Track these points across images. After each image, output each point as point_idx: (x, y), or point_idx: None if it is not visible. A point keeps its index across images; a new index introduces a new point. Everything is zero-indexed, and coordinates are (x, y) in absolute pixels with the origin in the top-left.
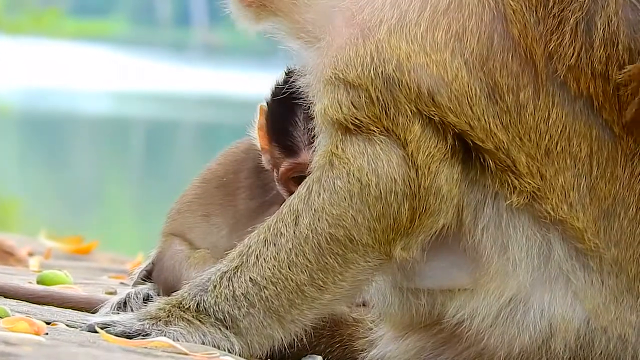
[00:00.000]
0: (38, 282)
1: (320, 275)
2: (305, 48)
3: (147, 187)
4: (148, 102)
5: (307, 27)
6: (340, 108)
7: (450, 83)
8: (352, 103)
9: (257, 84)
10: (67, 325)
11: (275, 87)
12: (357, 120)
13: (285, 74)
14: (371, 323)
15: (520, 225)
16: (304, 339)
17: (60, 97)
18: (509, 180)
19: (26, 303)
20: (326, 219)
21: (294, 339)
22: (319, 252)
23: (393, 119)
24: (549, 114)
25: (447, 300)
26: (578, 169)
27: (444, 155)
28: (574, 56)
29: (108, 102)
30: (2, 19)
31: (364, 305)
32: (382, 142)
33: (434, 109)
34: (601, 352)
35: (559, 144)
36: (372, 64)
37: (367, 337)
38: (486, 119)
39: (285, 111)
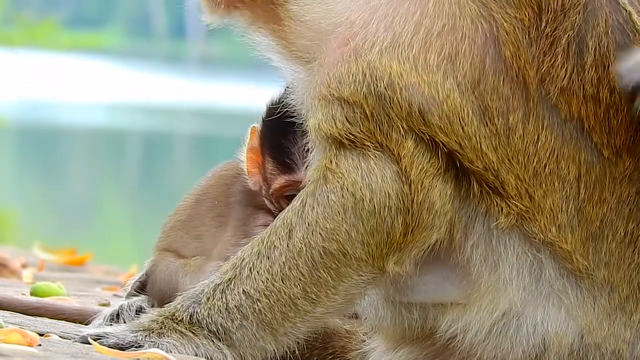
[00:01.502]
0: (31, 294)
1: (314, 288)
2: (296, 66)
3: (142, 200)
4: (143, 114)
5: (299, 48)
6: (335, 123)
7: (441, 103)
8: (346, 118)
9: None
10: (60, 337)
11: (271, 103)
12: (351, 135)
13: (283, 89)
14: (364, 335)
15: (511, 244)
16: (296, 351)
17: (55, 109)
18: (497, 201)
19: (19, 314)
20: (320, 233)
21: (286, 351)
22: (313, 266)
23: (386, 135)
24: (538, 137)
25: (440, 315)
26: (566, 191)
27: (437, 171)
28: (565, 78)
29: (103, 114)
30: None
31: (356, 317)
32: (376, 157)
33: (424, 128)
34: None
35: (547, 166)
36: (365, 81)
37: (359, 349)
38: (477, 139)
39: (281, 127)
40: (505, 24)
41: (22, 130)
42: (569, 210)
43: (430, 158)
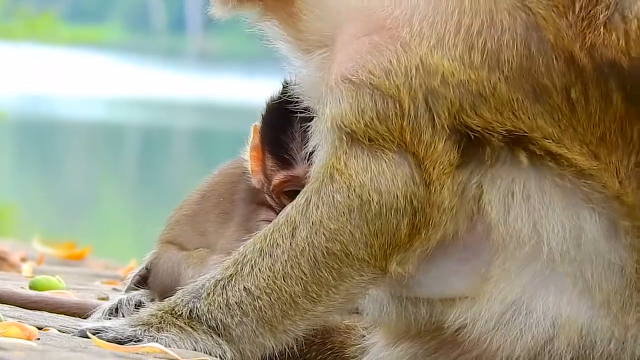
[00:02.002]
0: (30, 288)
1: (315, 287)
2: (307, 55)
3: (141, 194)
4: (142, 108)
5: (313, 32)
6: (363, 117)
7: (489, 97)
8: (376, 113)
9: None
10: (59, 331)
11: (271, 100)
12: (374, 132)
13: (283, 85)
14: (363, 330)
15: (552, 213)
16: (295, 347)
17: (54, 104)
18: (560, 162)
19: (18, 308)
20: (323, 233)
21: (285, 347)
22: (315, 265)
23: (417, 133)
24: (603, 103)
25: (447, 308)
26: (629, 146)
27: (451, 168)
28: (614, 41)
29: (102, 108)
30: None
31: (356, 312)
32: (390, 159)
33: (477, 121)
34: (602, 350)
35: (613, 128)
36: (418, 74)
37: (359, 345)
38: (532, 118)
39: (281, 122)
40: (541, 11)
41: (22, 124)
42: (629, 165)
43: (451, 156)
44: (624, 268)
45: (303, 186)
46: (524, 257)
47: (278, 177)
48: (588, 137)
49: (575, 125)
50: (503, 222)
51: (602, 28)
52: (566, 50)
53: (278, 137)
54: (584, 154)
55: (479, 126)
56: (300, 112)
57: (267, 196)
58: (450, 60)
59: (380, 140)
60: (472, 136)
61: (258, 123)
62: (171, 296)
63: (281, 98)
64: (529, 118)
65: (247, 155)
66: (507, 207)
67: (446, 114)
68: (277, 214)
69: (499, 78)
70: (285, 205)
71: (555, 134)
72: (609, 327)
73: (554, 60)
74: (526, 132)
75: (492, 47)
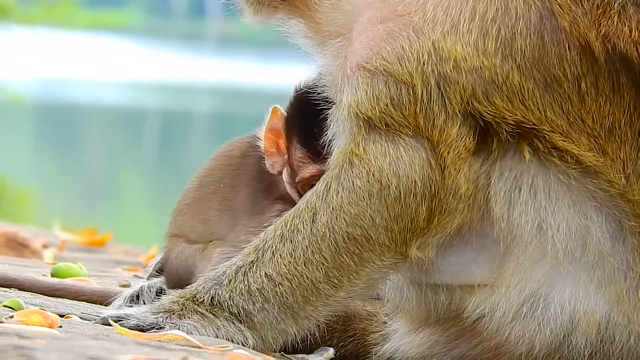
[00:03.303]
0: (52, 275)
1: (336, 273)
2: (326, 46)
3: (162, 179)
4: (162, 93)
5: (330, 22)
6: (378, 103)
7: (501, 85)
8: (390, 99)
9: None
10: (81, 318)
11: (300, 89)
12: (389, 118)
13: (312, 76)
14: (385, 316)
15: (558, 211)
16: (317, 334)
17: (74, 88)
18: (565, 159)
19: (40, 295)
20: (344, 218)
21: (306, 334)
22: (336, 251)
23: (431, 119)
24: (613, 95)
25: (467, 296)
26: (638, 141)
27: (468, 154)
28: (628, 31)
29: (122, 93)
30: (15, 10)
31: (378, 299)
32: (407, 143)
33: (488, 108)
34: (622, 346)
35: (622, 121)
36: (430, 60)
37: (380, 331)
38: (542, 109)
39: (312, 115)
40: None
41: (41, 108)
42: (637, 160)
43: (467, 142)
44: (632, 269)
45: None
46: (533, 252)
47: (309, 170)
48: (597, 129)
49: (585, 117)
50: (506, 218)
51: (615, 17)
52: (581, 38)
53: (310, 129)
54: (591, 148)
55: (489, 113)
56: (324, 104)
57: (287, 185)
58: (464, 46)
59: (397, 126)
60: (482, 125)
61: (278, 105)
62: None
63: (311, 88)
64: (538, 109)
65: (262, 135)
66: (512, 203)
67: (458, 98)
68: (290, 206)
69: (512, 66)
70: (301, 196)
71: (563, 127)
72: (627, 324)
73: (567, 49)
74: (535, 125)
75: (505, 34)
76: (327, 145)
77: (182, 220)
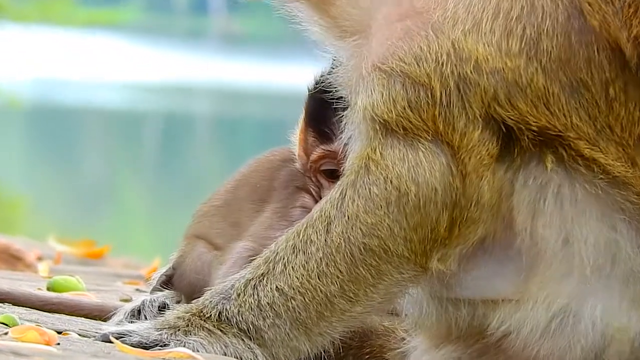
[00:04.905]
0: (48, 289)
1: (352, 286)
2: (340, 41)
3: (163, 186)
4: (163, 94)
5: (345, 17)
6: (394, 106)
7: (525, 88)
8: (408, 102)
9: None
10: (79, 335)
11: (317, 79)
12: (407, 122)
13: (328, 65)
14: (404, 332)
15: (585, 223)
16: (331, 351)
17: (70, 89)
18: (592, 168)
19: (36, 311)
20: (360, 228)
21: (320, 351)
22: (351, 263)
23: (451, 123)
24: None
25: (490, 311)
26: None
27: (491, 160)
28: None
29: (121, 94)
30: (9, 7)
31: (396, 314)
32: (426, 148)
33: (511, 112)
34: None
35: None
36: (449, 61)
37: (399, 348)
38: (567, 114)
39: (323, 99)
40: None
41: (36, 111)
42: None
43: (490, 148)
44: None
45: (340, 165)
46: (559, 266)
47: (317, 151)
48: (625, 138)
49: (613, 124)
50: (530, 229)
51: None
52: (611, 39)
53: (319, 111)
54: (620, 157)
55: (512, 118)
56: (342, 94)
57: (305, 177)
58: (486, 46)
59: (415, 130)
60: (505, 130)
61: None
62: (199, 298)
63: (326, 77)
64: (564, 115)
65: (295, 139)
66: (536, 213)
67: (479, 102)
68: (315, 199)
69: (536, 69)
70: (322, 186)
71: (590, 135)
72: None
73: (596, 52)
74: (561, 132)
75: (531, 34)
76: (337, 127)
77: (209, 222)
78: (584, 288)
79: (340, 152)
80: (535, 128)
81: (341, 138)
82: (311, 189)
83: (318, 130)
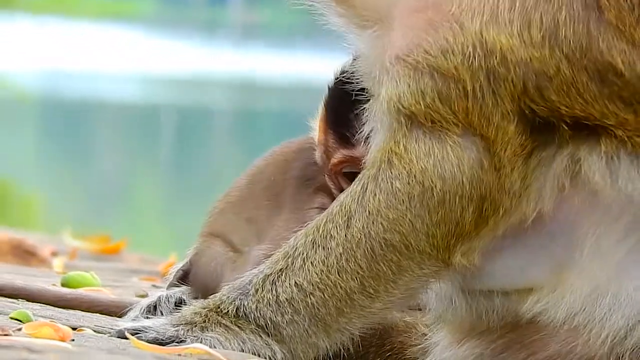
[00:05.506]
0: (63, 285)
1: (372, 282)
2: (360, 31)
3: (179, 180)
4: (179, 87)
5: (366, 9)
6: (423, 98)
7: (554, 77)
8: (438, 94)
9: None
10: (94, 331)
11: (339, 72)
12: (437, 114)
13: (352, 61)
14: (425, 328)
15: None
16: (351, 348)
17: (83, 82)
18: (633, 153)
19: (50, 307)
20: (381, 223)
21: (340, 348)
22: (372, 258)
23: (485, 116)
24: None
25: (523, 301)
26: None
27: (524, 151)
28: None
29: (136, 87)
30: None
31: (418, 309)
32: (454, 142)
33: (543, 104)
34: None
35: None
36: (476, 54)
37: (420, 345)
38: (602, 102)
39: (347, 99)
40: None
41: (48, 104)
42: None
43: (524, 139)
44: None
45: (361, 168)
46: (594, 250)
47: (337, 156)
48: None
49: None
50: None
51: None
52: (628, 32)
53: (341, 112)
54: None
55: (545, 108)
56: (359, 93)
57: (326, 175)
58: (508, 37)
59: (444, 123)
60: (537, 120)
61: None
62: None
63: (349, 71)
64: (597, 102)
65: (316, 125)
66: (569, 201)
67: (509, 94)
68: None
69: (560, 58)
70: (342, 188)
71: (630, 120)
72: None
73: (616, 38)
74: (598, 119)
75: (549, 24)
76: (360, 131)
77: (224, 220)
78: (618, 272)
79: (361, 157)
80: (569, 116)
81: (362, 142)
82: (331, 189)
83: (339, 134)
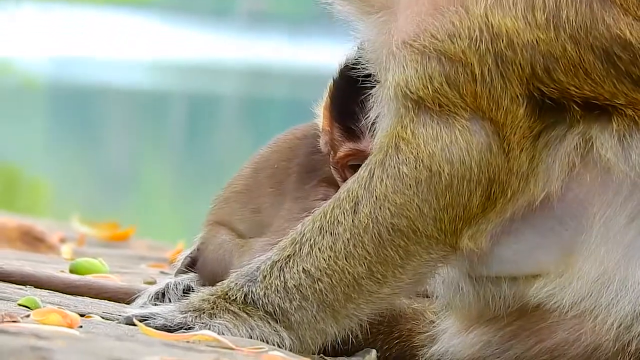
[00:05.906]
0: (71, 271)
1: (380, 267)
2: (366, 16)
3: (188, 167)
4: (188, 74)
5: None
6: (431, 83)
7: (561, 58)
8: (446, 78)
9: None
10: (102, 318)
11: (345, 63)
12: (444, 98)
13: (358, 49)
14: (433, 315)
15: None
16: (359, 335)
17: (92, 68)
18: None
19: (58, 293)
20: (388, 208)
21: (348, 335)
22: (379, 244)
23: (496, 100)
24: None
25: (532, 286)
26: None
27: (532, 134)
28: None
29: (144, 74)
30: None
31: (426, 296)
32: (463, 126)
33: (552, 86)
34: None
35: None
36: (483, 37)
37: (428, 332)
38: (610, 81)
39: (353, 90)
40: None
41: (56, 91)
42: None
43: (532, 121)
44: None
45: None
46: (603, 233)
47: (343, 149)
48: None
49: None
50: (623, 162)
51: None
52: (634, 13)
53: (347, 105)
54: None
55: (555, 89)
56: (367, 80)
57: (331, 167)
58: (513, 20)
59: (452, 107)
60: (546, 102)
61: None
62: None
63: (355, 61)
64: (604, 82)
65: (320, 113)
66: (579, 182)
67: (517, 77)
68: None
69: (565, 39)
70: (342, 178)
71: (638, 98)
72: None
73: (623, 14)
74: (607, 99)
75: (552, 4)
76: (366, 124)
77: (229, 208)
78: (626, 256)
79: (367, 150)
80: (579, 99)
81: (368, 134)
82: (335, 180)
83: (345, 127)
